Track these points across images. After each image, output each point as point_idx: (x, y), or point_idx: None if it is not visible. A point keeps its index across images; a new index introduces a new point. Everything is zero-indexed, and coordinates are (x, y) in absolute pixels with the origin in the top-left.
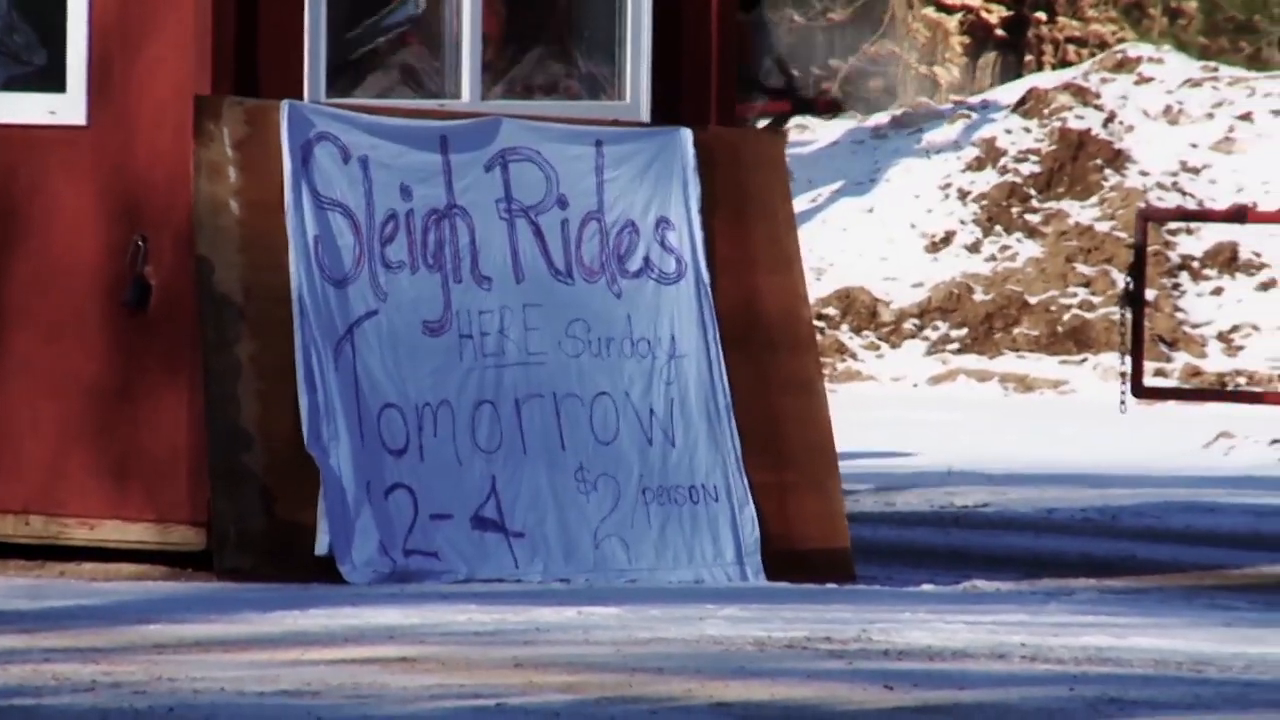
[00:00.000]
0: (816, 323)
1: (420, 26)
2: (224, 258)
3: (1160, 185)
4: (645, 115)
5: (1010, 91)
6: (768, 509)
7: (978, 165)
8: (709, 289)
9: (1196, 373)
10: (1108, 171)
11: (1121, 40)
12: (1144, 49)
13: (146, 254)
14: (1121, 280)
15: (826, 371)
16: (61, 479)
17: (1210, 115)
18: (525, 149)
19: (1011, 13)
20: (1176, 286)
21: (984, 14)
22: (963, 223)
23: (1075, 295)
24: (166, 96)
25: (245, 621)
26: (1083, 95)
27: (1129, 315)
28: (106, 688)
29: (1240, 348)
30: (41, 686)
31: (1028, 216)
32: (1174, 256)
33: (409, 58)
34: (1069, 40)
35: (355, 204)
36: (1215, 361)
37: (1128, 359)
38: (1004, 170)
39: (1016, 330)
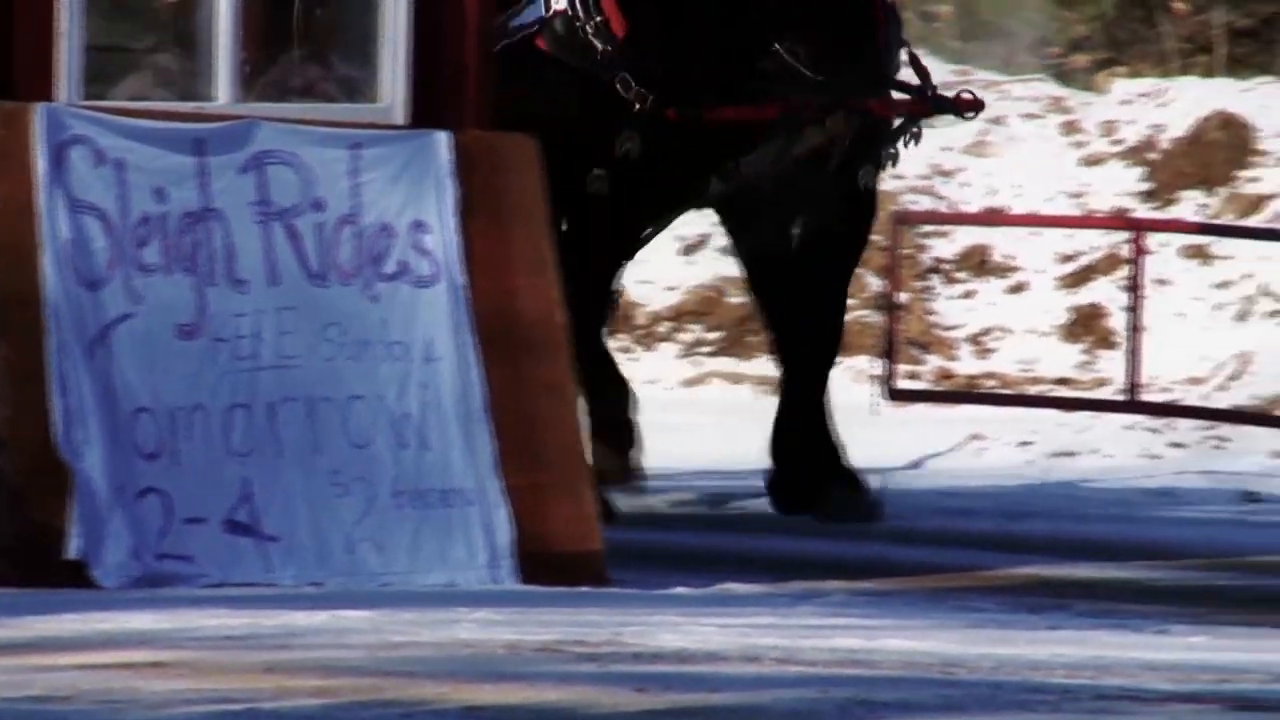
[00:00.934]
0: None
1: (175, 28)
2: None
3: (913, 189)
4: (402, 118)
5: None
6: (522, 512)
7: None
8: (465, 292)
9: (948, 375)
10: None
11: None
12: None
13: None
14: (875, 283)
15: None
16: None
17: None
18: (281, 152)
19: None
20: (928, 289)
21: None
22: (716, 225)
23: None
24: None
25: None
26: None
27: (882, 318)
28: None
29: (991, 350)
30: None
31: None
32: (926, 259)
33: (165, 60)
34: None
35: (110, 207)
36: (967, 364)
37: (880, 362)
38: None
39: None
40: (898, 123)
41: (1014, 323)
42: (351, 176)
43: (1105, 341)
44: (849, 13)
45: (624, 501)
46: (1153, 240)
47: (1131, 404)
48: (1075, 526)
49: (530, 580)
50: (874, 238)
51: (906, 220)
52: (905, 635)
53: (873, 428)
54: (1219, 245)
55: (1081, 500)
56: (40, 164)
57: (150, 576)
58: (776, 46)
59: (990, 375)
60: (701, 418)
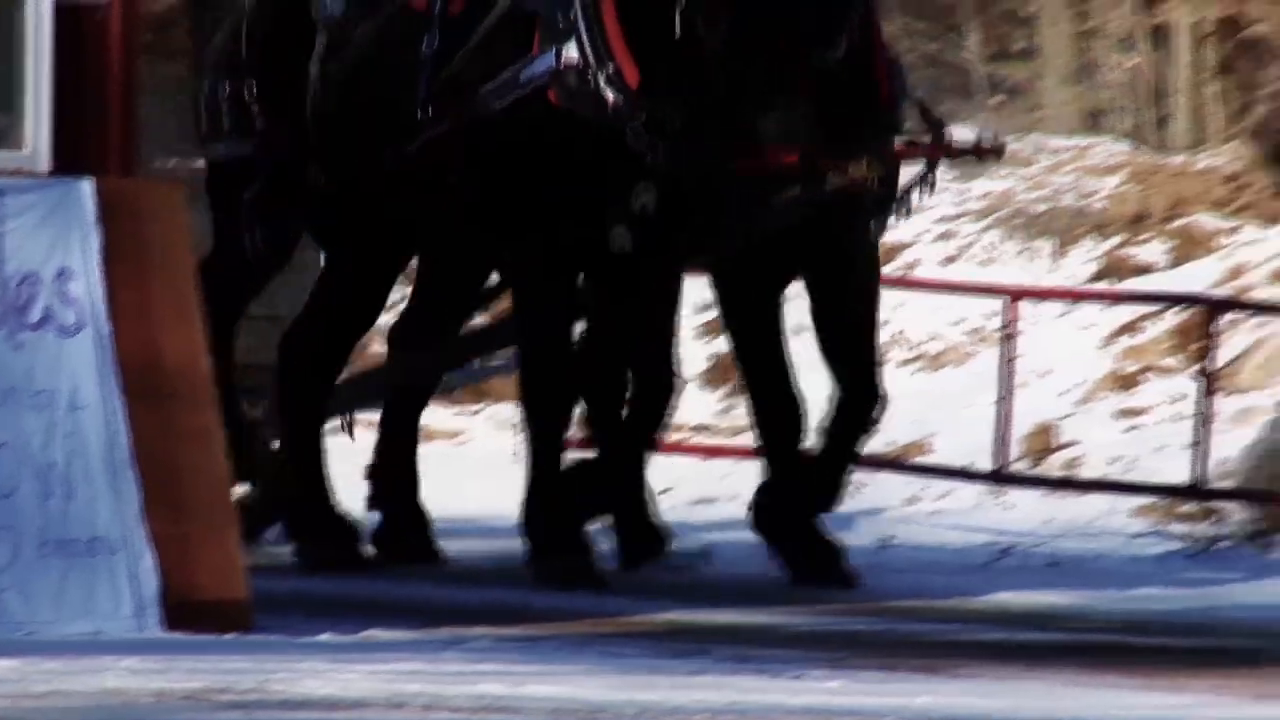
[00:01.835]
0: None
1: None
2: None
3: None
4: (46, 166)
5: None
6: (168, 560)
7: None
8: (110, 340)
9: None
10: None
11: None
12: None
13: None
14: None
15: None
16: None
17: None
18: None
19: None
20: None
21: None
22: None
23: None
24: None
25: None
26: None
27: None
28: None
29: None
30: None
31: None
32: None
33: None
34: None
35: None
36: None
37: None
38: None
39: None
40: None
41: None
42: None
43: (744, 388)
44: (853, 67)
45: (270, 550)
46: None
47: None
48: (715, 571)
49: (177, 628)
50: None
51: None
52: (551, 681)
53: (515, 474)
54: None
55: (720, 546)
56: None
57: None
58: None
59: None
60: (353, 465)
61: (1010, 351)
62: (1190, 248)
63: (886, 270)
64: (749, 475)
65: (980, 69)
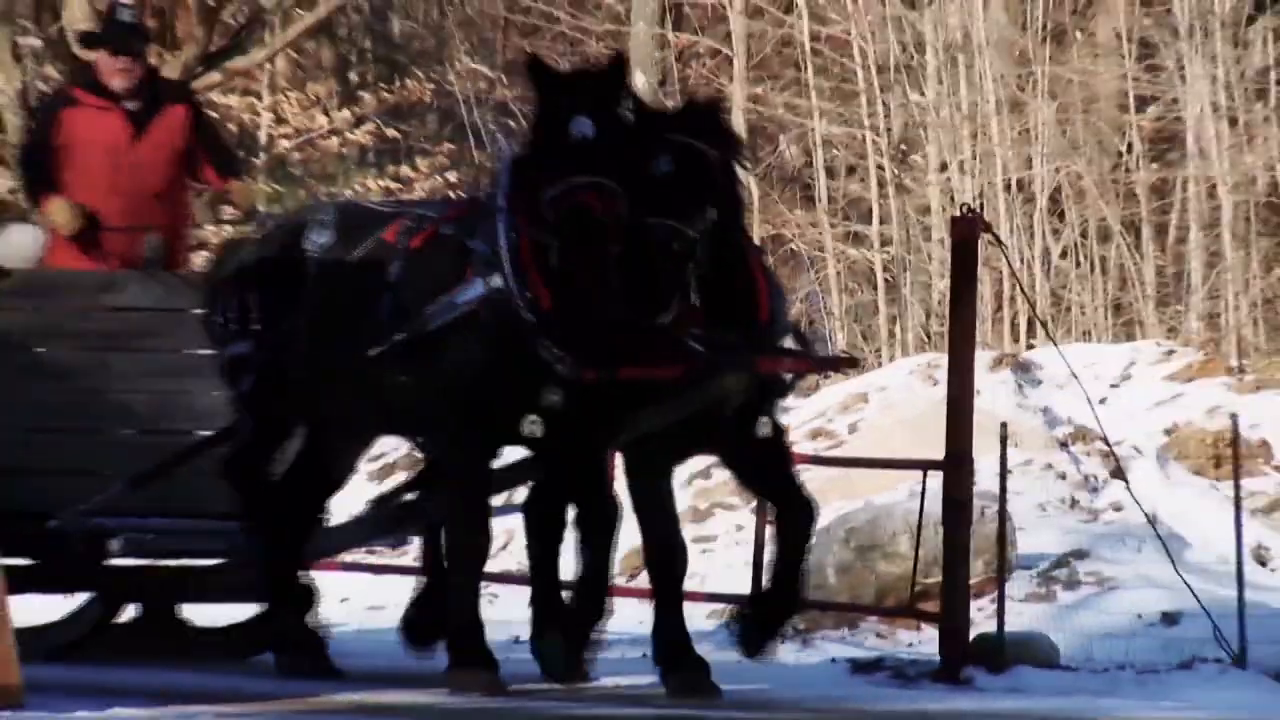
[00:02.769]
0: None
1: None
2: None
3: None
4: None
5: None
6: None
7: None
8: None
9: None
10: None
11: None
12: None
13: None
14: None
15: None
16: None
17: None
18: None
19: None
20: None
21: None
22: None
23: None
24: None
25: None
26: None
27: None
28: None
29: None
30: None
31: None
32: None
33: None
34: None
35: None
36: None
37: None
38: None
39: None
40: (787, 379)
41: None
42: None
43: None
44: (737, 290)
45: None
46: None
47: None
48: (382, 662)
49: None
50: None
51: None
52: None
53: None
54: None
55: (389, 645)
56: None
57: None
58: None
59: None
60: None
61: None
62: None
63: None
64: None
65: None
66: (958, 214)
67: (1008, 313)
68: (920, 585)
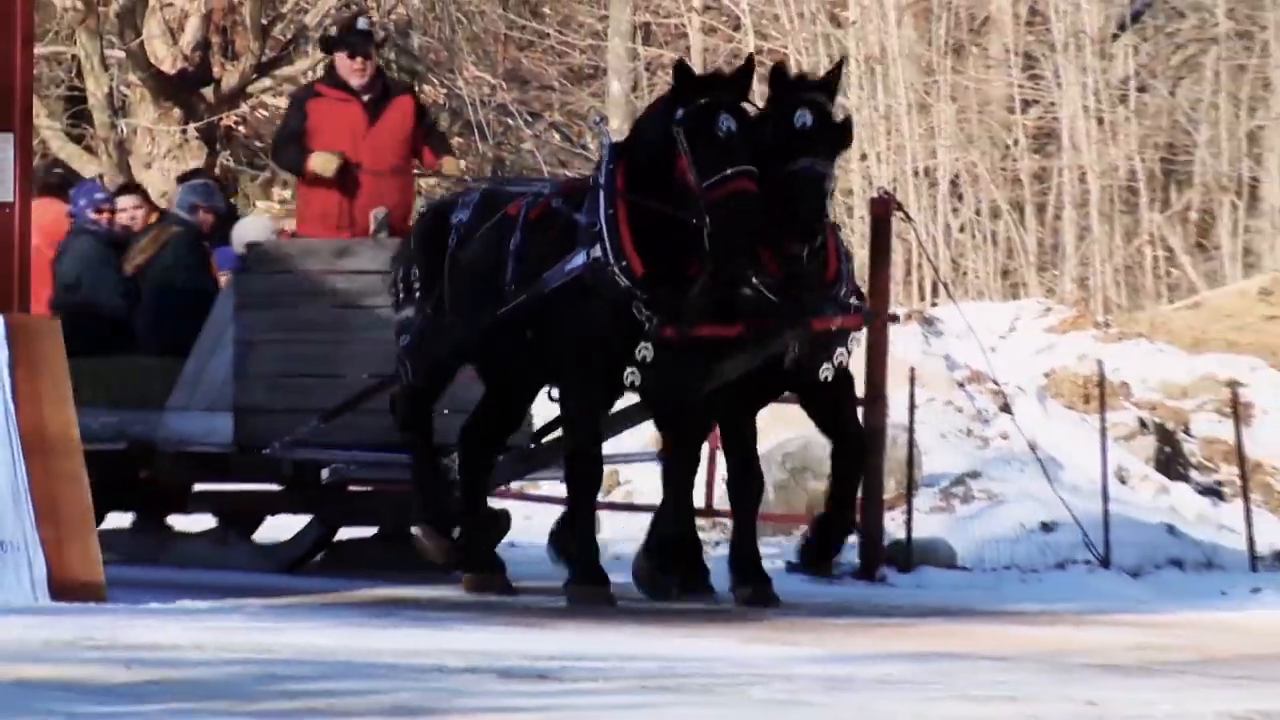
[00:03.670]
0: None
1: None
2: None
3: None
4: None
5: None
6: (50, 555)
7: None
8: (14, 416)
9: None
10: None
11: None
12: None
13: None
14: None
15: None
16: None
17: None
18: None
19: None
20: None
21: None
22: None
23: None
24: None
25: None
26: None
27: None
28: None
29: None
30: None
31: None
32: None
33: None
34: None
35: None
36: None
37: None
38: None
39: None
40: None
41: None
42: None
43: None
44: (813, 250)
45: None
46: None
47: None
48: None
49: (58, 599)
50: None
51: None
52: (298, 632)
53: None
54: None
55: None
56: None
57: None
58: (755, 281)
59: None
60: None
61: None
62: None
63: None
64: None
65: None
66: (875, 196)
67: (915, 277)
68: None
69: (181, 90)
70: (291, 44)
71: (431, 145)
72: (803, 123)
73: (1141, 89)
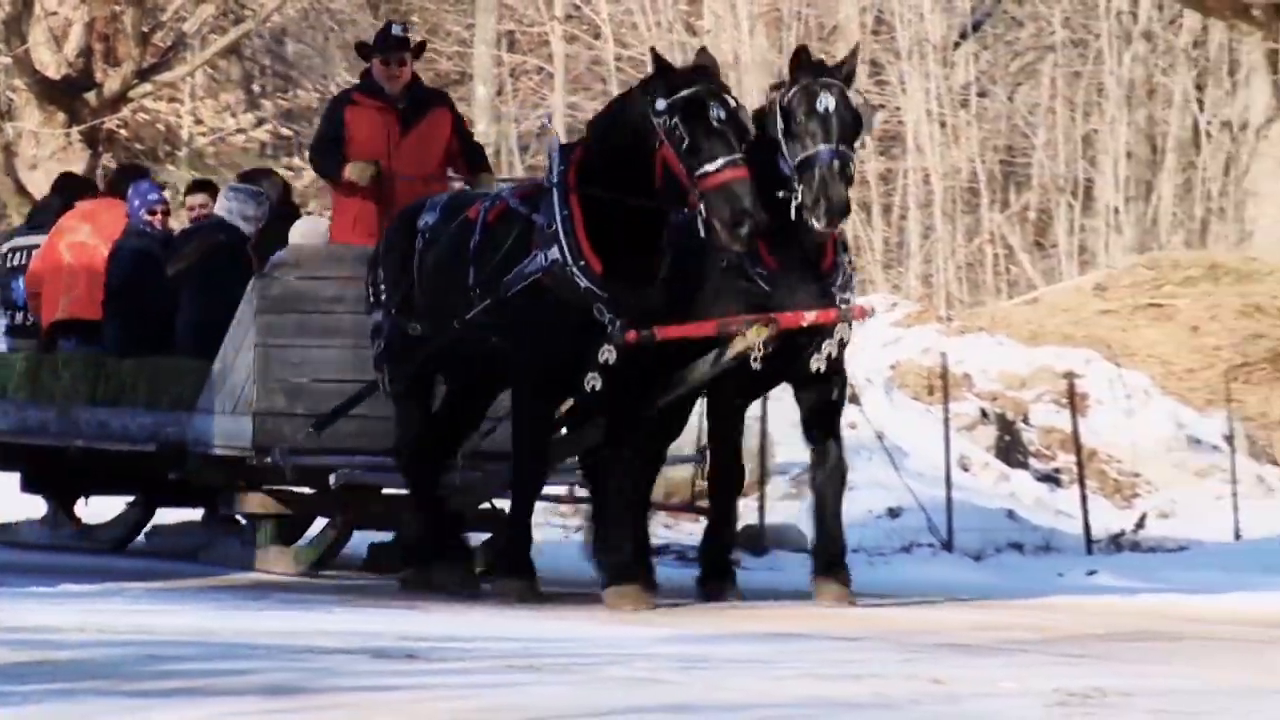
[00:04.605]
0: None
1: None
2: None
3: None
4: None
5: None
6: None
7: None
8: None
9: None
10: None
11: None
12: None
13: None
14: None
15: None
16: None
17: None
18: None
19: None
20: None
21: None
22: None
23: None
24: None
25: None
26: None
27: None
28: None
29: None
30: None
31: None
32: None
33: None
34: None
35: None
36: None
37: None
38: None
39: None
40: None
41: None
42: None
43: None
44: (805, 243)
45: None
46: None
47: None
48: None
49: None
50: None
51: None
52: (175, 615)
53: None
54: None
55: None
56: None
57: None
58: (751, 271)
59: None
60: None
61: None
62: None
63: None
64: None
65: None
66: None
67: None
68: (699, 486)
69: (65, 95)
70: (171, 50)
71: (467, 158)
72: (825, 107)
73: (982, 94)
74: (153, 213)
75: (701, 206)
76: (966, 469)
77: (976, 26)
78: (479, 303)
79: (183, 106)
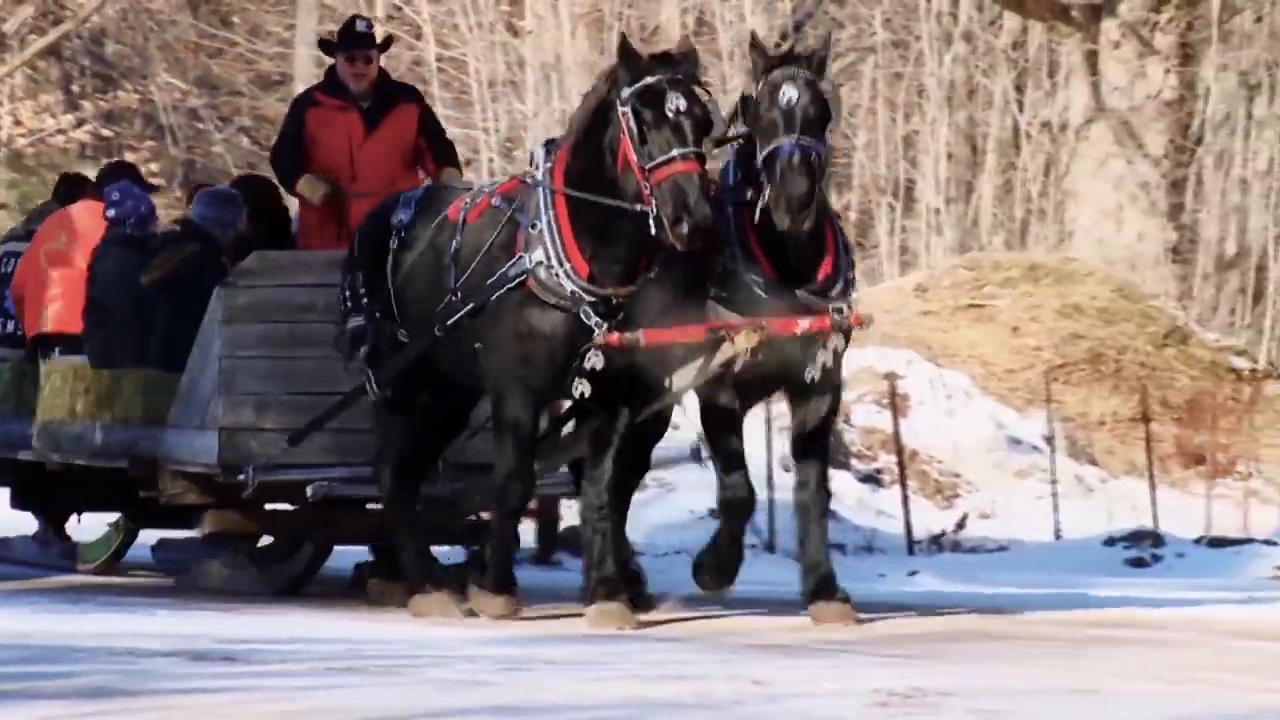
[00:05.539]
0: None
1: None
2: None
3: None
4: None
5: None
6: None
7: None
8: None
9: None
10: None
11: None
12: None
13: None
14: None
15: None
16: None
17: None
18: None
19: None
20: None
21: None
22: None
23: None
24: None
25: None
26: None
27: None
28: None
29: None
30: None
31: None
32: None
33: None
34: None
35: None
36: None
37: None
38: None
39: None
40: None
41: None
42: None
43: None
44: (805, 244)
45: None
46: None
47: None
48: None
49: None
50: None
51: None
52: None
53: None
54: None
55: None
56: None
57: None
58: (749, 278)
59: None
60: None
61: None
62: None
63: None
64: None
65: None
66: None
67: None
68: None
69: None
70: None
71: (434, 154)
72: (788, 99)
73: None
74: (128, 217)
75: (653, 202)
76: (788, 469)
77: (798, 27)
78: (461, 306)
79: (1, 107)
